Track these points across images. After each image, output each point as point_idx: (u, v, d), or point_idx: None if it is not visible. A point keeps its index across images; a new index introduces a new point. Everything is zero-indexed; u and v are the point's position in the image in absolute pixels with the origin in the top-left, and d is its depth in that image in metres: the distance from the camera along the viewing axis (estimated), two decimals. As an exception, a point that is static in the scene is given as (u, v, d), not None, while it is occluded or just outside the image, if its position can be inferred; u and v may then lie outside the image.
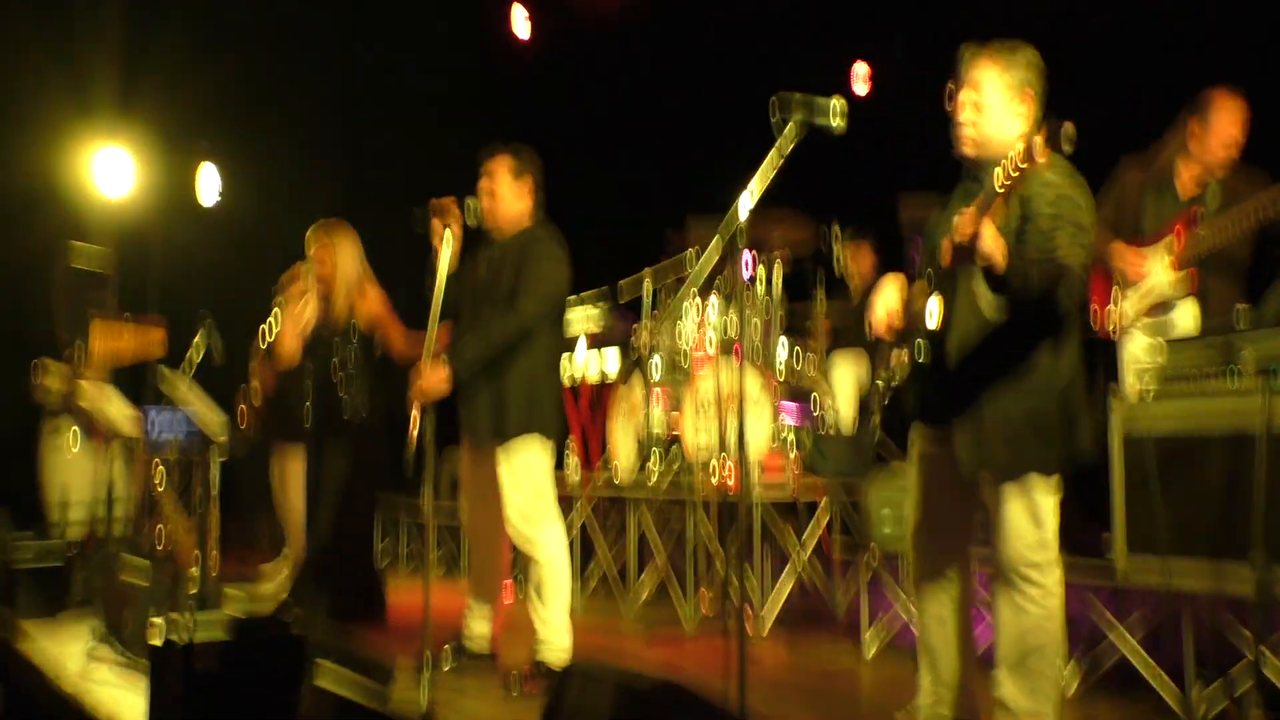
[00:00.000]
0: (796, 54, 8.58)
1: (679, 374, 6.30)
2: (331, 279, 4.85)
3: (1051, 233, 2.75)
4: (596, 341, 7.16)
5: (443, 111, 8.99)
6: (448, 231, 3.94)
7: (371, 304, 4.85)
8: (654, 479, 5.80)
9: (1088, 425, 2.91)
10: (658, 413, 6.02)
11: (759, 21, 8.79)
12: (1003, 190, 2.50)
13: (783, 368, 6.14)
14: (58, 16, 7.70)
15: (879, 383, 3.14)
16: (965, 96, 2.92)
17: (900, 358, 3.08)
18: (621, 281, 6.76)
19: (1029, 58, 2.91)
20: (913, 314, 3.03)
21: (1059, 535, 2.95)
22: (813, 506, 5.43)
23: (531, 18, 9.38)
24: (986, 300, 2.81)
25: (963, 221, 2.60)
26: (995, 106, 2.88)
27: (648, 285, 6.59)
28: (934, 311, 2.89)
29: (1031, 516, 2.86)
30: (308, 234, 4.88)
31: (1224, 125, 4.19)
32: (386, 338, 4.88)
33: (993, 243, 2.58)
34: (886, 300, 3.07)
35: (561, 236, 4.10)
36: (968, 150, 2.95)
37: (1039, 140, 2.40)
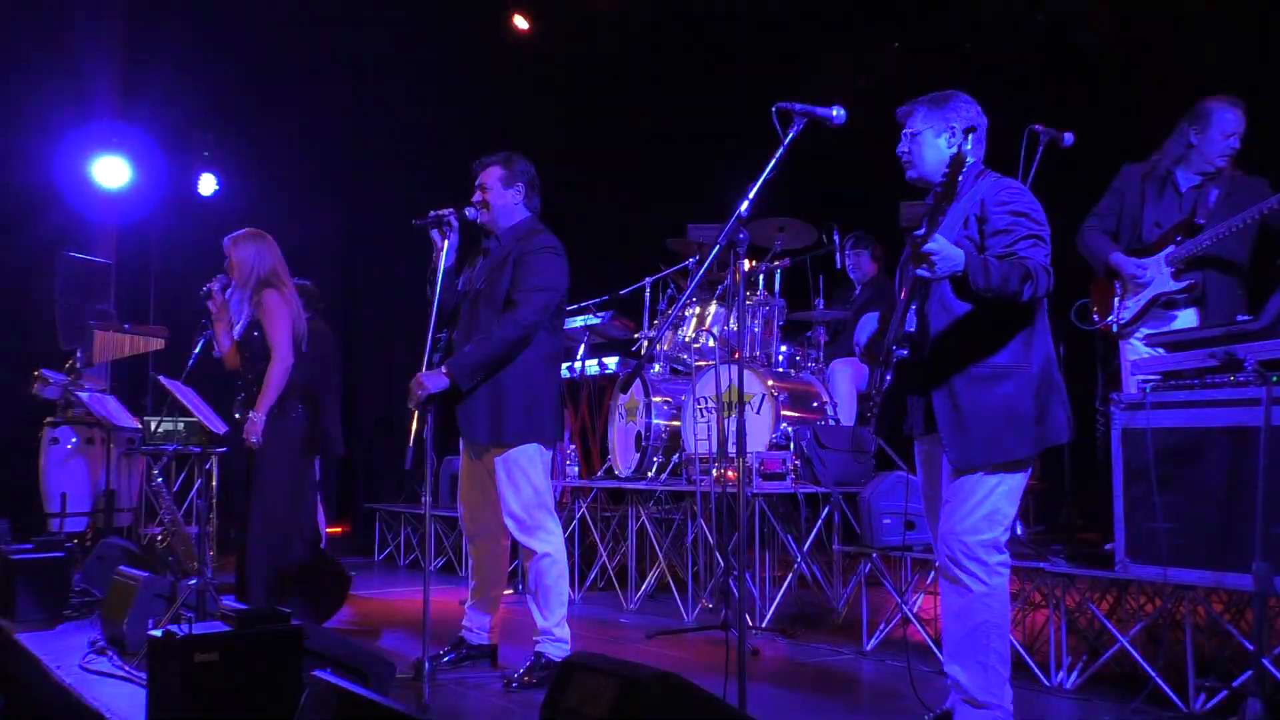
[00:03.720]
0: (796, 56, 8.60)
1: (679, 376, 6.31)
2: (243, 285, 4.86)
3: (1010, 230, 2.99)
4: (597, 346, 7.17)
5: (443, 116, 9.02)
6: (445, 238, 4.03)
7: (261, 308, 4.80)
8: (653, 476, 5.82)
9: (1061, 412, 3.09)
10: (657, 414, 6.03)
11: (759, 28, 8.82)
12: (947, 178, 2.86)
13: (782, 371, 6.15)
14: (57, 18, 7.71)
15: (875, 399, 3.22)
16: (904, 141, 3.26)
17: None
18: (623, 288, 6.78)
19: (949, 101, 3.21)
20: (887, 336, 3.14)
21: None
22: (813, 505, 5.44)
23: (532, 23, 9.40)
24: (957, 301, 3.03)
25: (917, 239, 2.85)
26: (922, 138, 3.20)
27: (649, 291, 6.61)
28: (912, 325, 3.07)
29: (986, 502, 3.02)
30: (225, 244, 4.94)
31: (1222, 132, 4.21)
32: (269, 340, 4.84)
33: (945, 248, 2.82)
34: (869, 327, 3.28)
35: (558, 239, 4.12)
36: (910, 172, 3.25)
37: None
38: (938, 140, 3.17)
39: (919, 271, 2.82)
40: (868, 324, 3.28)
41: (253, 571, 4.67)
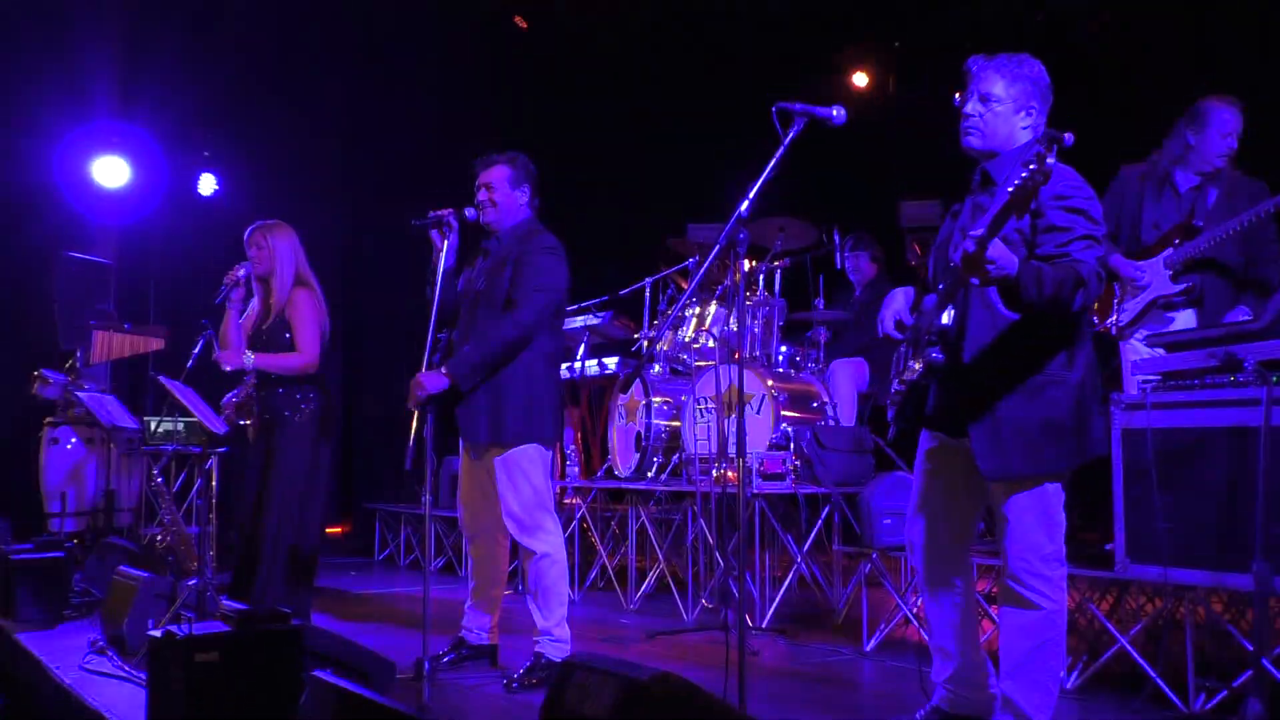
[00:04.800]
0: (796, 57, 8.60)
1: (679, 376, 6.31)
2: (268, 279, 4.85)
3: (1068, 228, 2.78)
4: (597, 346, 7.17)
5: (443, 115, 9.02)
6: (445, 238, 4.03)
7: (293, 307, 4.80)
8: (654, 478, 5.82)
9: (1099, 423, 2.96)
10: (657, 414, 6.03)
11: (759, 28, 8.82)
12: (1018, 194, 2.52)
13: (782, 371, 6.15)
14: (57, 18, 7.71)
15: (896, 386, 3.14)
16: (972, 101, 2.98)
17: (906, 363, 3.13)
18: (623, 288, 6.78)
19: (1033, 71, 2.97)
20: (920, 322, 3.04)
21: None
22: (813, 505, 5.44)
23: (532, 23, 9.40)
24: (1004, 306, 2.82)
25: (965, 246, 2.59)
26: (1000, 108, 2.94)
27: (649, 290, 6.61)
28: (949, 319, 2.91)
29: (1043, 517, 2.91)
30: (246, 234, 4.91)
31: (1219, 132, 4.21)
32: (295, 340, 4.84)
33: (1004, 255, 2.60)
34: (896, 303, 3.10)
35: (557, 239, 4.11)
36: (974, 141, 2.99)
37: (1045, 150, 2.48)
38: (1016, 116, 2.93)
39: (974, 280, 2.63)
40: (894, 300, 3.10)
41: (273, 554, 4.65)
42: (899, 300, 3.11)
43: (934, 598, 3.21)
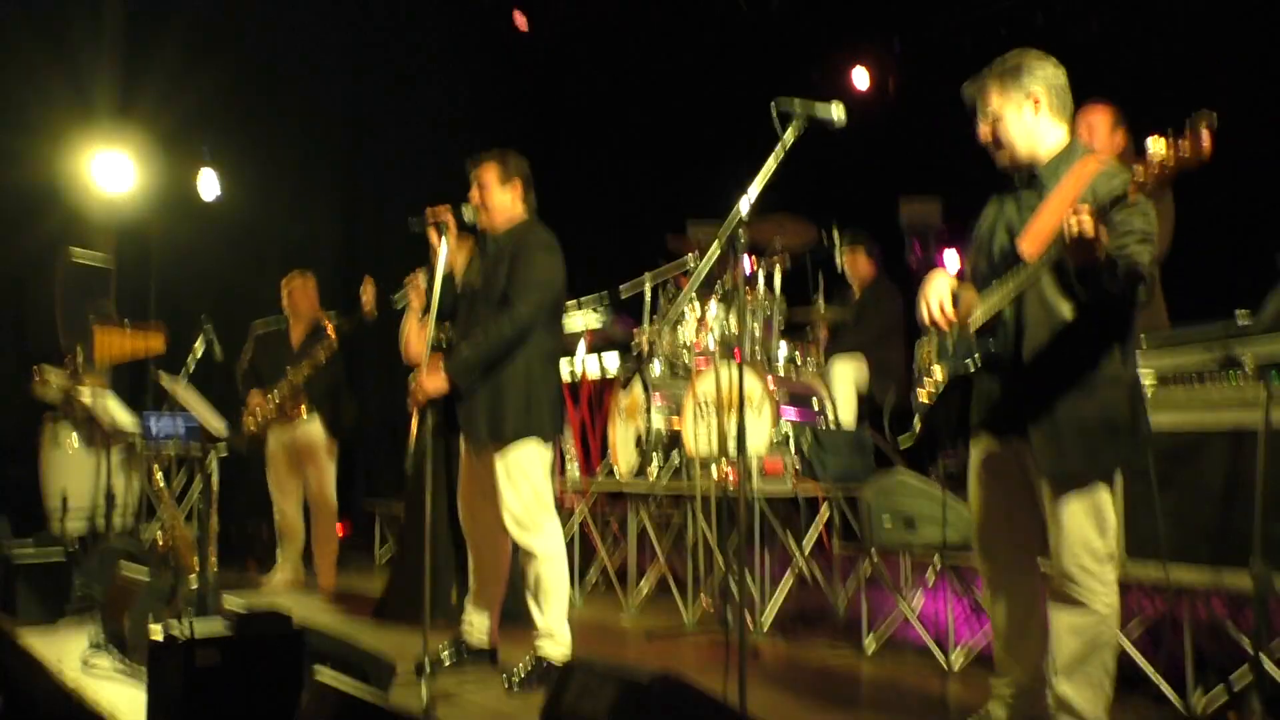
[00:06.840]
0: (796, 56, 8.61)
1: (679, 375, 6.31)
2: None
3: (1123, 228, 2.75)
4: (597, 344, 7.17)
5: (442, 114, 9.03)
6: (443, 238, 4.03)
7: None
8: (654, 478, 5.81)
9: (1148, 423, 2.94)
10: (658, 414, 6.03)
11: (759, 24, 8.83)
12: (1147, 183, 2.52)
13: (782, 371, 6.15)
14: (57, 18, 7.71)
15: (921, 391, 3.13)
16: (984, 125, 3.02)
17: (928, 353, 3.14)
18: (622, 285, 6.78)
19: (1013, 64, 2.99)
20: (964, 319, 3.02)
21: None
22: (813, 506, 5.44)
23: (532, 22, 9.41)
24: (1062, 303, 2.85)
25: (1082, 220, 2.56)
26: (1009, 118, 2.98)
27: (648, 288, 6.60)
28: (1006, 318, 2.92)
29: (1098, 517, 2.89)
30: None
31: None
32: None
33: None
34: (939, 289, 3.05)
35: (554, 235, 4.11)
36: (1005, 161, 3.03)
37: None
38: (1024, 113, 2.96)
39: (1082, 258, 2.58)
40: (939, 285, 3.05)
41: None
42: (943, 286, 3.05)
43: (996, 603, 3.17)
